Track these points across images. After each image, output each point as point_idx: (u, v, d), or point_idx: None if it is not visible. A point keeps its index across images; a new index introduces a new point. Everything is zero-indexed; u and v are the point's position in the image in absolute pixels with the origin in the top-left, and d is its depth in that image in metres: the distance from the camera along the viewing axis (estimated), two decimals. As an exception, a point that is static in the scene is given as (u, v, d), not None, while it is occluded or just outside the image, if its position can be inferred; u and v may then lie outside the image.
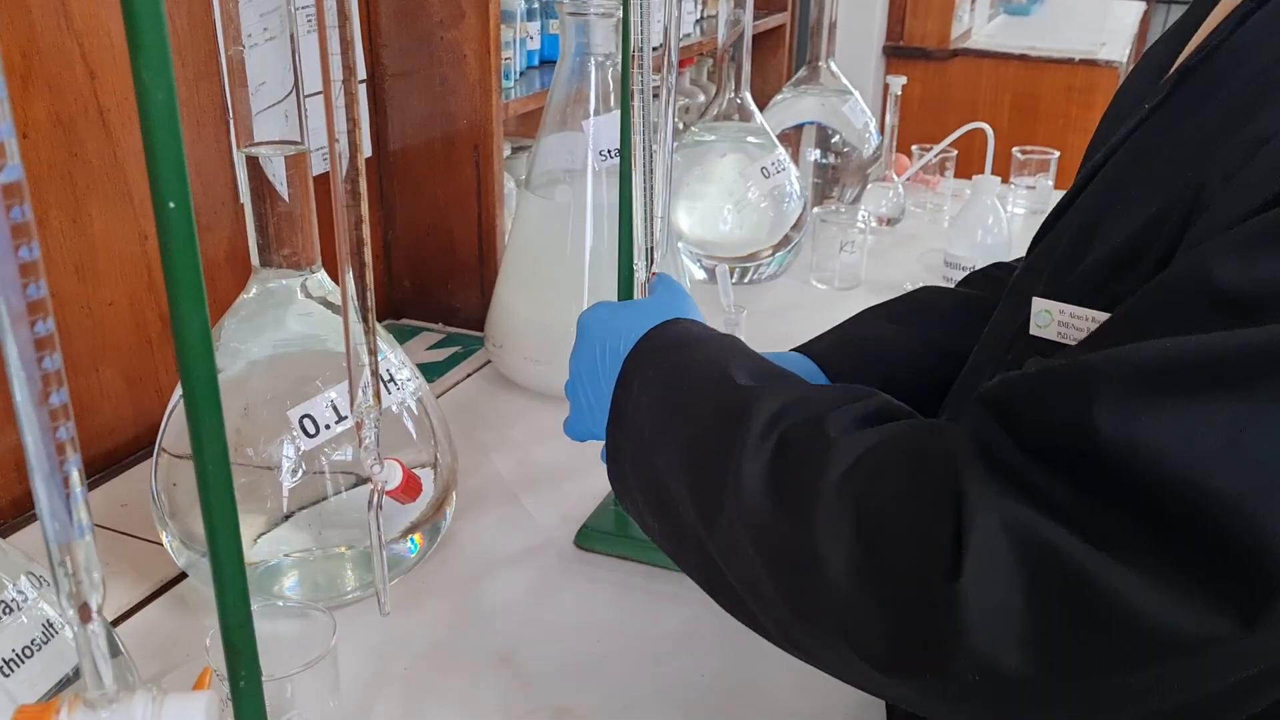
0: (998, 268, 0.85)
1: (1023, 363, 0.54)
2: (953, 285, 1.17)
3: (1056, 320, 0.53)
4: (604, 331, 0.67)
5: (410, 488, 0.65)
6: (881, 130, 1.67)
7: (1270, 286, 0.41)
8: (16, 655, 0.51)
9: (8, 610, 0.52)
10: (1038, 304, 0.54)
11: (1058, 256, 0.56)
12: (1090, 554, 0.40)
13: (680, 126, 1.74)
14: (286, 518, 0.76)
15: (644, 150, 0.77)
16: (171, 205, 0.37)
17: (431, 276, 1.26)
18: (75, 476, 0.32)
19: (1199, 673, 0.41)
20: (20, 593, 0.53)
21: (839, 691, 0.71)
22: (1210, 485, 0.38)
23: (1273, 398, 0.38)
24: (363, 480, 0.75)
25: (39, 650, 0.52)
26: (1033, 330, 0.54)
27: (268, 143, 0.72)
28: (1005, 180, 1.71)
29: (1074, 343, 0.52)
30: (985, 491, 0.43)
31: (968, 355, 0.66)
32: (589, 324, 0.69)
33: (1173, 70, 0.57)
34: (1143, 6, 4.18)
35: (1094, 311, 0.51)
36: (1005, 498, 0.42)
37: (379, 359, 0.61)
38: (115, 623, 0.76)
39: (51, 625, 0.54)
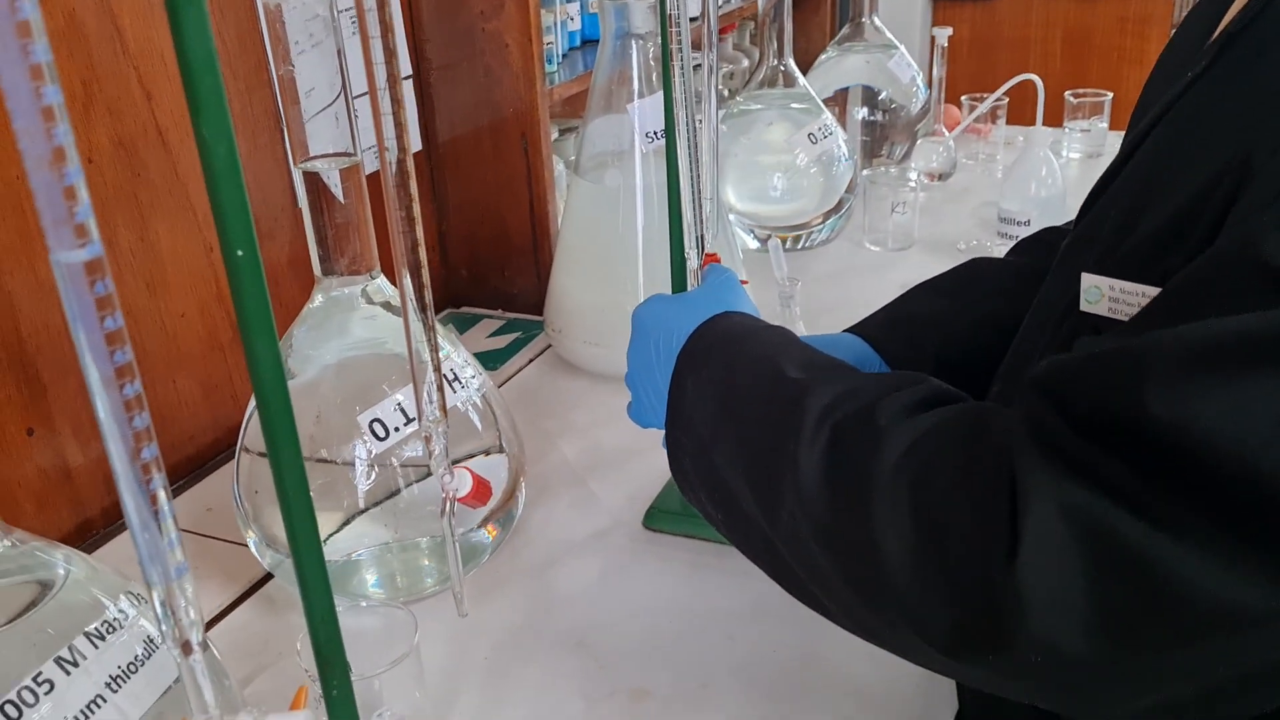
0: (1049, 232, 0.85)
1: (1074, 339, 0.54)
2: (1008, 242, 1.16)
3: (1107, 296, 0.53)
4: (657, 327, 0.68)
5: (480, 493, 0.67)
6: (929, 83, 1.66)
7: None
8: (122, 671, 0.54)
9: (111, 629, 0.55)
10: (1087, 280, 0.54)
11: (1106, 231, 0.56)
12: (1148, 533, 0.41)
13: (726, 94, 1.74)
14: (361, 513, 0.78)
15: (688, 131, 0.78)
16: (240, 253, 0.39)
17: (487, 264, 1.28)
18: (169, 523, 0.34)
19: (1261, 645, 0.42)
20: (121, 611, 0.56)
21: (907, 664, 0.72)
22: (1264, 464, 0.38)
23: None
24: (431, 474, 0.78)
25: (142, 666, 0.55)
26: (1083, 307, 0.54)
27: (323, 156, 0.74)
28: (1059, 124, 1.69)
29: (1125, 318, 0.52)
30: (1040, 474, 0.44)
31: (1019, 327, 0.67)
32: (642, 319, 0.70)
33: (1215, 36, 0.56)
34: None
35: (1144, 286, 0.51)
36: (1060, 480, 0.43)
37: (442, 360, 0.63)
38: (206, 626, 0.80)
39: (152, 641, 0.57)
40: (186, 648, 0.35)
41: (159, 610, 0.35)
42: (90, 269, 0.31)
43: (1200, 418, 0.40)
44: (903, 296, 0.83)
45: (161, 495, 0.34)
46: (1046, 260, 0.71)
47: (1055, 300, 0.60)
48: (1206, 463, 0.40)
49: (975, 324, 0.77)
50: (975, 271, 0.83)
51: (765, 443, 0.56)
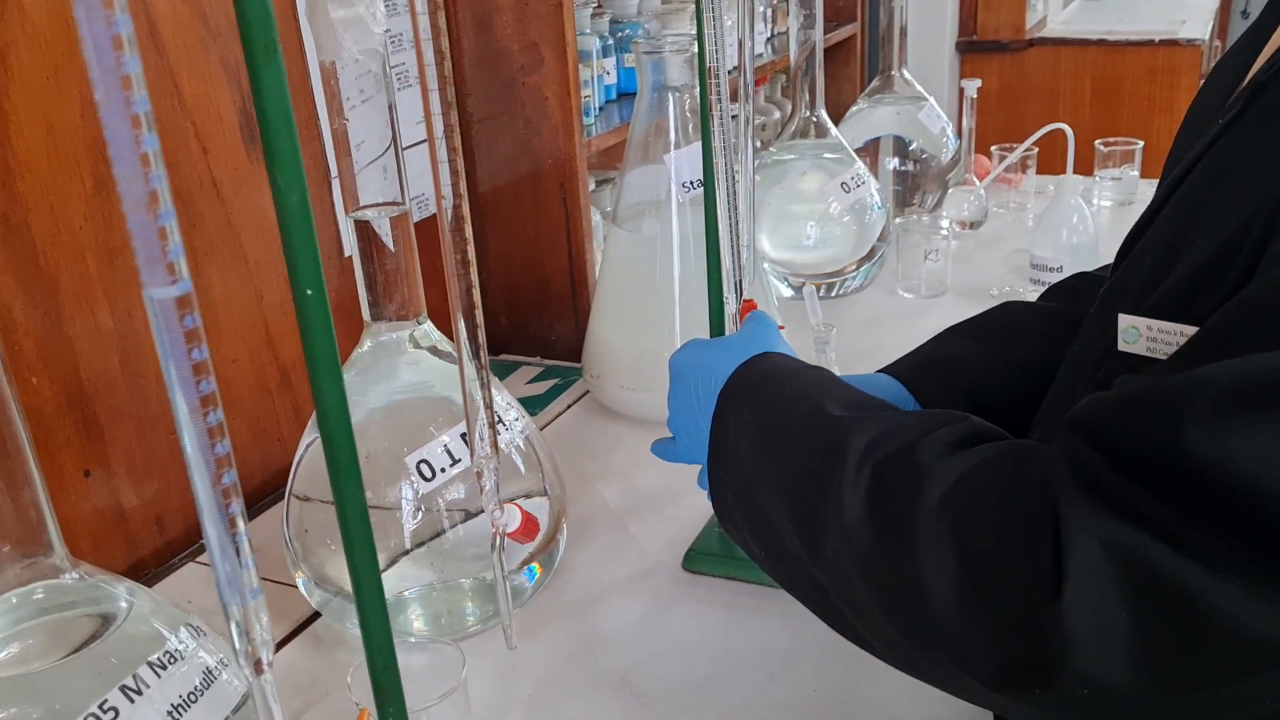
0: (1079, 279, 0.86)
1: (1112, 380, 0.55)
2: (1040, 288, 1.17)
3: (1145, 336, 0.54)
4: (695, 371, 0.70)
5: (529, 529, 0.69)
6: (959, 134, 1.68)
7: None
8: (183, 700, 0.56)
9: (173, 660, 0.57)
10: (1124, 320, 0.55)
11: (1141, 276, 0.57)
12: (1191, 569, 0.42)
13: (758, 145, 1.76)
14: (406, 554, 0.80)
15: (727, 180, 0.80)
16: (309, 292, 0.41)
17: (526, 312, 1.30)
18: (246, 546, 0.36)
19: None
20: (182, 643, 0.58)
21: (948, 702, 0.73)
22: None
23: None
24: (475, 515, 0.80)
25: (201, 696, 0.57)
26: (1121, 346, 0.55)
27: (373, 205, 0.76)
28: (1089, 173, 1.71)
29: (1163, 358, 0.53)
30: (1082, 512, 0.45)
31: (1052, 370, 0.68)
32: (680, 365, 0.72)
33: (1244, 85, 0.58)
34: (1223, -22, 4.08)
35: (1182, 325, 0.52)
36: (1102, 517, 0.44)
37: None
38: (258, 662, 0.81)
39: (210, 672, 0.58)
40: (259, 666, 0.37)
41: (234, 630, 0.36)
42: (180, 304, 0.33)
43: (1239, 455, 0.41)
44: (935, 339, 0.85)
45: (240, 520, 0.36)
46: (1077, 305, 0.72)
47: (1092, 345, 0.61)
48: (1246, 500, 0.41)
49: (1008, 366, 0.78)
50: (1007, 315, 0.84)
51: (808, 481, 0.57)
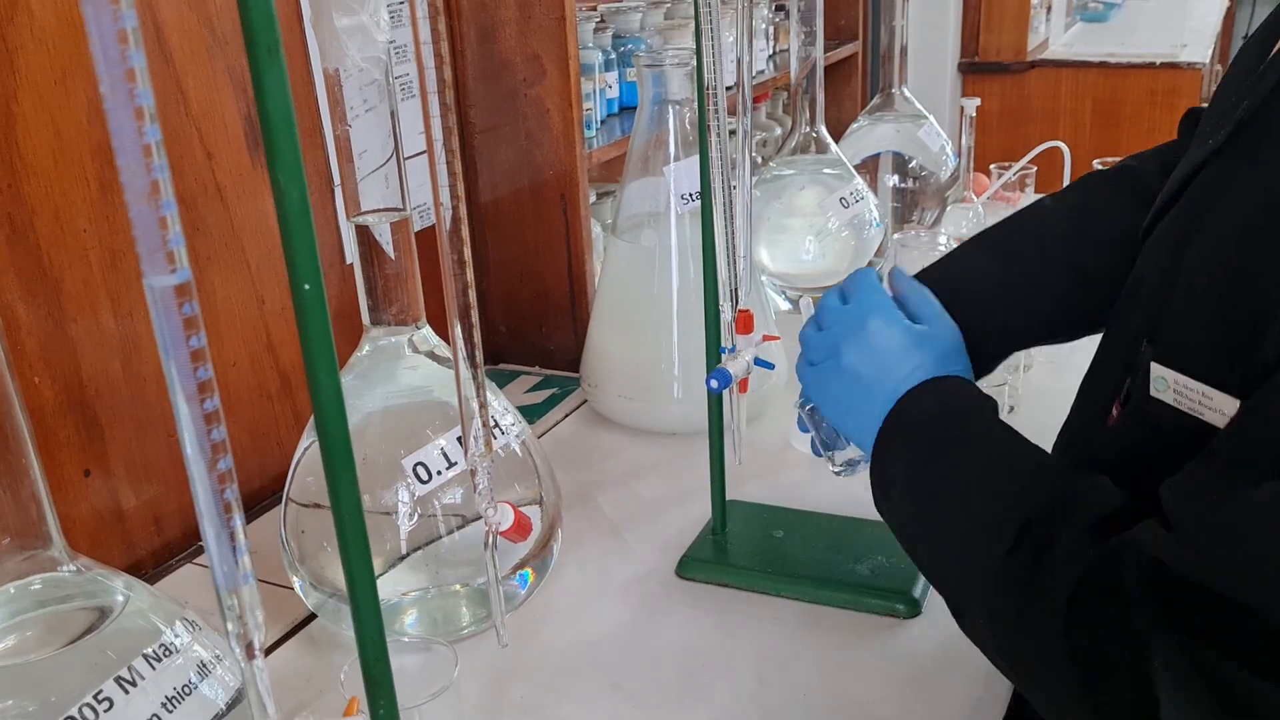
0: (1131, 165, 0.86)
1: (1142, 409, 0.59)
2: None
3: (1172, 388, 0.57)
4: (886, 356, 0.71)
5: (521, 528, 0.70)
6: (958, 152, 1.69)
7: None
8: (177, 693, 0.57)
9: (168, 653, 0.57)
10: (1155, 369, 0.58)
11: (1175, 308, 0.59)
12: (1267, 689, 0.47)
13: (759, 161, 1.78)
14: (402, 558, 0.81)
15: (724, 193, 0.81)
16: (307, 287, 0.42)
17: (526, 321, 1.31)
18: (240, 530, 0.36)
19: None
20: (177, 637, 0.59)
21: (939, 709, 0.73)
22: None
23: None
24: (471, 520, 0.80)
25: (195, 689, 0.58)
26: (1152, 393, 0.58)
27: (374, 211, 0.77)
28: (1088, 193, 1.71)
29: (1188, 411, 0.56)
30: (1170, 640, 0.49)
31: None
32: (878, 332, 0.72)
33: (1268, 59, 0.59)
34: (1225, 3, 4.11)
35: (1204, 387, 0.55)
36: (1188, 643, 0.48)
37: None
38: (253, 662, 0.82)
39: (204, 666, 0.59)
40: (250, 650, 0.38)
41: (227, 613, 0.37)
42: (179, 292, 0.34)
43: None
44: (963, 248, 0.85)
45: (234, 506, 0.37)
46: (1119, 202, 0.79)
47: (1112, 365, 0.64)
48: None
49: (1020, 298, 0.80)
50: (1041, 238, 0.83)
51: (961, 551, 0.62)
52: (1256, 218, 0.54)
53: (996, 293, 0.80)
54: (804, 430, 0.81)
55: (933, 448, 0.66)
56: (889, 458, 0.68)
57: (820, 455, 0.83)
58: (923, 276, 0.81)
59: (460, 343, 0.55)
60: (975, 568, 0.60)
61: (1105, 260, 0.76)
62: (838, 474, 0.86)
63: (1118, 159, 1.74)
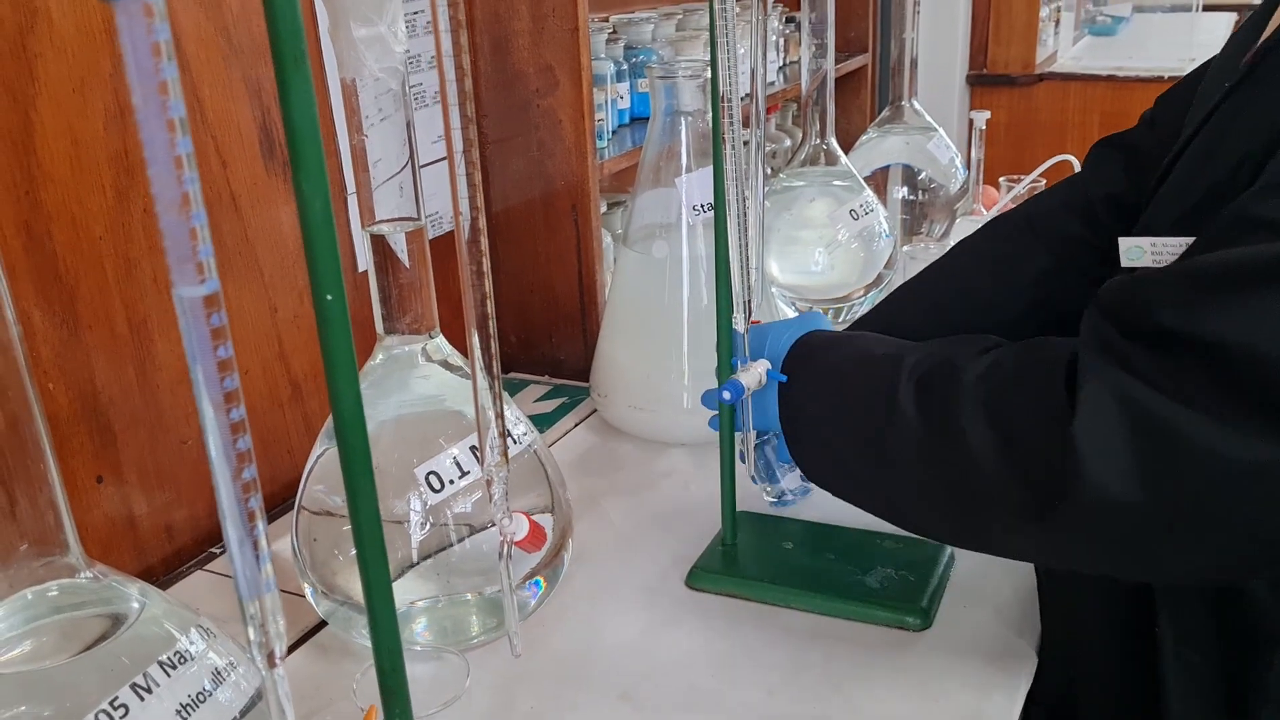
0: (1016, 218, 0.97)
1: None
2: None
3: (1150, 253, 0.66)
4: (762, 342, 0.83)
5: (536, 538, 0.70)
6: (968, 165, 1.70)
7: None
8: (192, 700, 0.57)
9: (183, 660, 0.57)
10: (1126, 242, 0.67)
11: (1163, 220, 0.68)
12: (1171, 406, 0.54)
13: (769, 172, 1.78)
14: (413, 566, 0.81)
15: (738, 204, 0.82)
16: (329, 298, 0.43)
17: (536, 331, 1.32)
18: (263, 539, 0.37)
19: (1270, 496, 0.54)
20: (192, 643, 0.59)
21: (949, 716, 0.73)
22: (1261, 352, 0.52)
23: None
24: (481, 529, 0.80)
25: (210, 696, 0.58)
26: (1124, 264, 0.67)
27: (389, 220, 0.78)
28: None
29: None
30: (1094, 363, 0.58)
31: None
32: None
33: (1253, 50, 0.65)
34: (1233, 16, 4.11)
35: (1182, 238, 0.64)
36: (1108, 367, 0.57)
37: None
38: (264, 670, 0.82)
39: (219, 673, 0.59)
40: (271, 659, 0.38)
41: (250, 622, 0.37)
42: (208, 302, 0.34)
43: (1208, 325, 0.54)
44: (887, 300, 0.98)
45: (258, 515, 0.37)
46: (1028, 249, 0.92)
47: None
48: (1217, 358, 0.54)
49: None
50: (956, 277, 0.96)
51: (868, 407, 0.70)
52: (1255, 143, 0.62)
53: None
54: (743, 460, 0.88)
55: (824, 355, 0.78)
56: (793, 386, 0.78)
57: (757, 484, 0.94)
58: (861, 323, 0.95)
59: (478, 352, 0.55)
60: (887, 406, 0.68)
61: (1022, 306, 0.89)
62: (773, 504, 0.98)
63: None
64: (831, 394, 0.76)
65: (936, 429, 0.65)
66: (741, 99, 0.86)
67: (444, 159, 0.57)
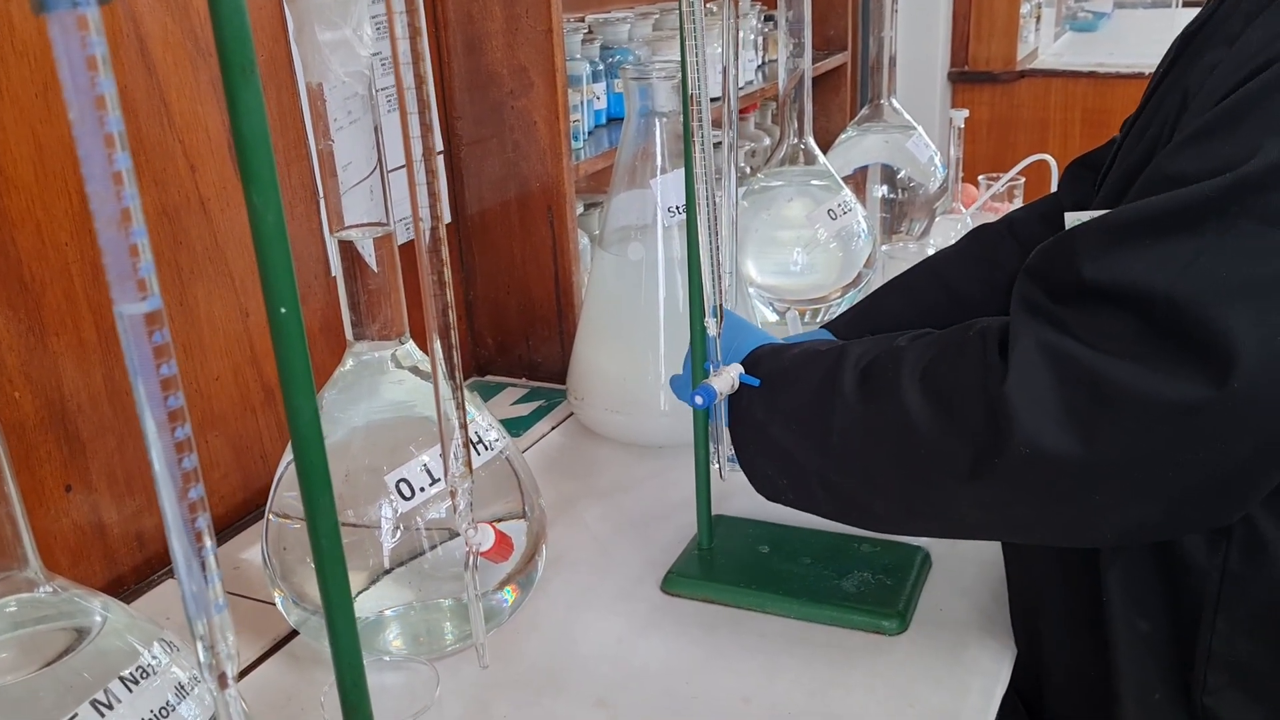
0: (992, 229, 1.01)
1: None
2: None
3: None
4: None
5: (502, 549, 0.69)
6: (947, 163, 1.69)
7: (1200, 164, 0.58)
8: (155, 715, 0.56)
9: (145, 674, 0.57)
10: (1070, 216, 0.71)
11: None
12: (1099, 357, 0.57)
13: (747, 171, 1.78)
14: (386, 573, 0.80)
15: (708, 206, 0.81)
16: (284, 310, 0.42)
17: (512, 333, 1.31)
18: (212, 560, 0.36)
19: (1197, 437, 0.55)
20: (155, 658, 0.58)
21: (925, 719, 0.73)
22: (1178, 296, 0.55)
23: (1215, 232, 0.55)
24: (454, 535, 0.80)
25: (173, 711, 0.57)
26: None
27: (357, 226, 0.77)
28: (1075, 204, 1.72)
29: None
30: (1023, 324, 0.61)
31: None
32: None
33: (1180, 34, 0.74)
34: (1214, 13, 4.12)
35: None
36: (1037, 326, 0.60)
37: (468, 420, 0.65)
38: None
39: (182, 688, 0.58)
40: (223, 680, 0.37)
41: (199, 644, 0.37)
42: (150, 320, 0.33)
43: (1120, 274, 0.58)
44: (873, 295, 1.00)
45: (206, 535, 0.36)
46: (1009, 252, 0.95)
47: None
48: (1131, 305, 0.57)
49: (935, 317, 0.88)
50: (941, 265, 0.99)
51: (813, 397, 0.72)
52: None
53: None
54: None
55: (773, 365, 0.79)
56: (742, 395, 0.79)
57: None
58: (840, 322, 0.97)
59: (441, 362, 0.55)
60: (831, 392, 0.70)
61: (1000, 305, 0.92)
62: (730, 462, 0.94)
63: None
64: (778, 392, 0.76)
65: (875, 404, 0.68)
66: (714, 100, 0.86)
67: (406, 164, 0.56)
